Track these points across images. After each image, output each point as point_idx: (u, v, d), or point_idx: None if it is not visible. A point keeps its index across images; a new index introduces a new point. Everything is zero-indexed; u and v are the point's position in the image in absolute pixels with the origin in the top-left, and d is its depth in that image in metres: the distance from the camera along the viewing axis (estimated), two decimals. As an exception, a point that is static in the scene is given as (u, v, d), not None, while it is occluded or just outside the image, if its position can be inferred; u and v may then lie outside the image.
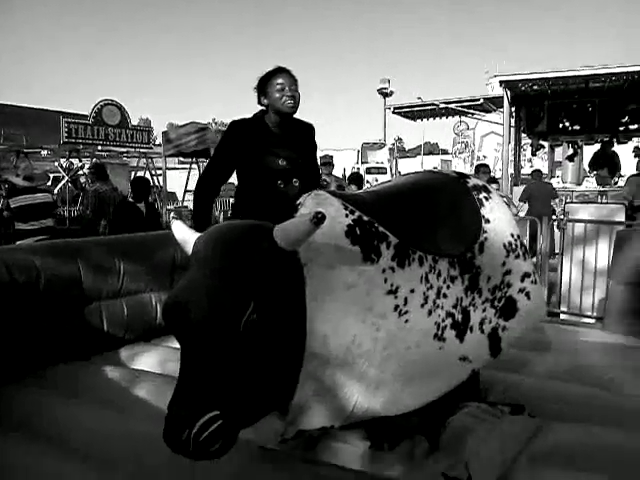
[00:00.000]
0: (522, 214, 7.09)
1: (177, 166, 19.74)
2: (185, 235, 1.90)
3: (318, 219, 1.63)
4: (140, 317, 3.67)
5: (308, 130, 2.93)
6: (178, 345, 3.49)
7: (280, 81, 2.74)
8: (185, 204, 14.29)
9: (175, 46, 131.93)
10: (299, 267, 1.81)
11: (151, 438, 2.15)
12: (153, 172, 14.60)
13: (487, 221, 2.35)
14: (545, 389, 2.68)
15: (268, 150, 2.75)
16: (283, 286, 1.73)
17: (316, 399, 1.91)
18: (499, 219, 2.39)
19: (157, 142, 17.16)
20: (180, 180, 14.17)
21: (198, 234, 1.84)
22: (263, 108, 2.83)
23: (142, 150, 14.06)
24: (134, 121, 14.79)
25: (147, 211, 6.36)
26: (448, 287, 2.14)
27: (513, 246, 2.39)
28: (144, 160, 14.59)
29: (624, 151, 11.89)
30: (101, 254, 3.62)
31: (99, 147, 13.66)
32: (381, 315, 1.95)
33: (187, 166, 14.70)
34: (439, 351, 2.09)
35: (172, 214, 10.80)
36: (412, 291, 2.02)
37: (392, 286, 1.97)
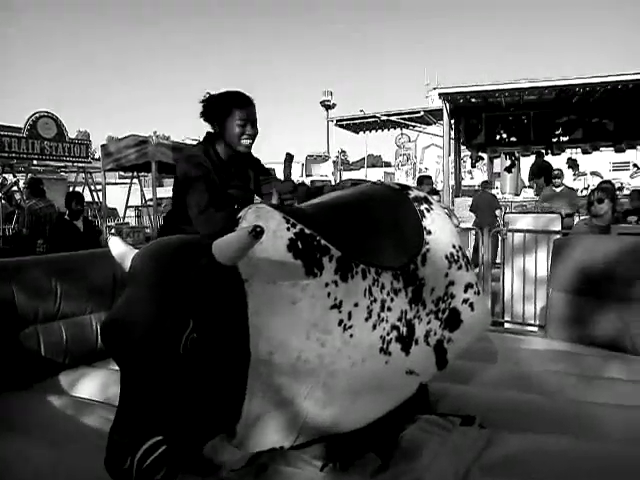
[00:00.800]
0: (467, 225, 7.23)
1: (118, 181, 19.31)
2: (123, 252, 1.84)
3: (257, 232, 1.60)
4: (80, 340, 3.49)
5: (256, 162, 2.79)
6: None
7: (242, 116, 2.51)
8: (126, 220, 13.96)
9: (114, 57, 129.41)
10: (240, 283, 1.77)
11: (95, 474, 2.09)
12: (92, 187, 14.23)
13: (429, 232, 2.36)
14: (493, 399, 2.69)
15: (223, 180, 2.57)
16: (224, 303, 1.69)
17: (263, 419, 1.86)
18: (441, 230, 2.40)
19: (96, 156, 16.75)
20: (121, 195, 13.82)
21: (136, 250, 1.78)
22: (210, 131, 2.61)
23: (80, 165, 13.68)
24: (72, 134, 14.40)
25: (85, 228, 6.20)
26: (392, 300, 2.12)
27: (455, 257, 2.40)
28: (83, 175, 14.20)
29: (559, 162, 12.35)
30: (36, 274, 3.44)
31: (34, 162, 13.23)
32: (326, 330, 1.91)
33: (128, 181, 14.38)
34: (385, 365, 2.07)
35: (112, 231, 10.54)
36: (356, 305, 1.99)
37: (336, 300, 1.94)
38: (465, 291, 2.42)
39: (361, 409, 2.00)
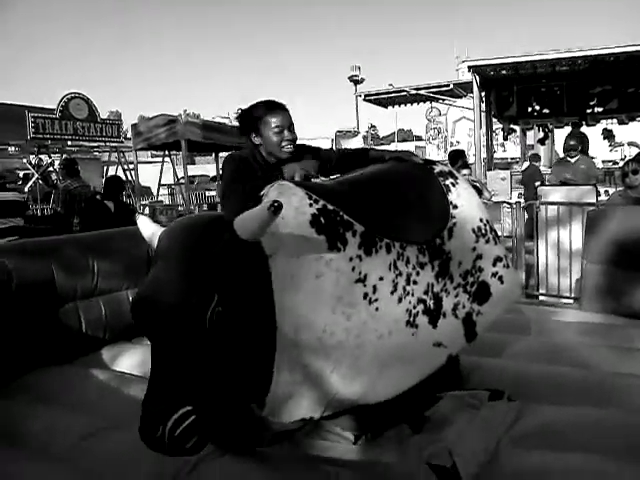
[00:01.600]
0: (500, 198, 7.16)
1: (150, 159, 19.53)
2: (151, 230, 1.89)
3: (275, 208, 1.63)
4: (118, 315, 3.59)
5: (316, 152, 2.67)
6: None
7: (277, 122, 2.44)
8: (160, 198, 14.13)
9: (145, 36, 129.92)
10: (264, 258, 1.80)
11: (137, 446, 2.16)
12: (125, 167, 14.42)
13: (455, 207, 2.35)
14: (525, 371, 2.70)
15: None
16: (248, 278, 1.73)
17: (292, 391, 1.91)
18: (467, 204, 2.39)
19: (128, 135, 16.95)
20: (154, 174, 13.99)
21: (163, 229, 1.83)
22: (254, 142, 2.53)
23: (112, 144, 13.86)
24: (104, 114, 14.56)
25: (117, 209, 6.29)
26: (418, 274, 2.13)
27: (483, 231, 2.39)
28: (115, 154, 14.39)
29: (594, 133, 12.08)
30: (73, 252, 3.54)
31: (68, 142, 13.44)
32: (351, 304, 1.94)
33: (160, 159, 14.52)
34: (412, 338, 2.09)
35: (146, 209, 10.69)
36: (381, 279, 2.01)
37: (360, 274, 1.96)
38: (494, 264, 2.41)
39: (389, 381, 2.03)
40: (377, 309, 1.99)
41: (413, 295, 2.10)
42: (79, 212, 6.85)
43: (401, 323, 2.06)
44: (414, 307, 2.10)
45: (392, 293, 2.05)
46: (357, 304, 1.95)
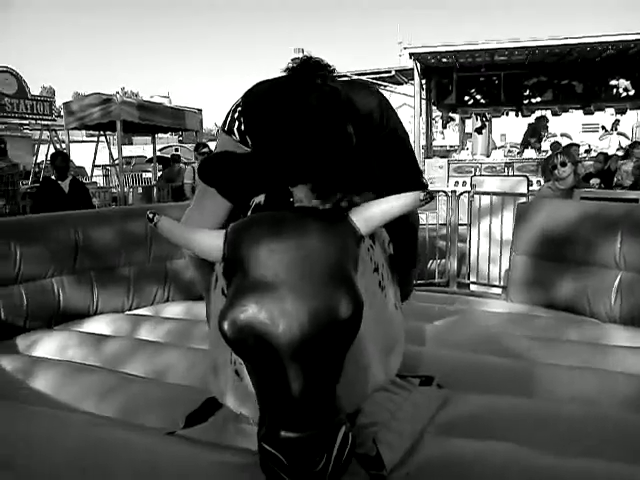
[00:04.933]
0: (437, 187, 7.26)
1: (85, 139, 18.88)
2: (208, 239, 1.54)
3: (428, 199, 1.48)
4: (41, 304, 3.50)
5: None
6: (81, 329, 3.37)
7: None
8: (94, 180, 13.67)
9: (86, 7, 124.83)
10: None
11: (48, 435, 2.09)
12: (58, 146, 13.88)
13: None
14: (451, 360, 2.73)
15: None
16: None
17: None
18: None
19: (61, 114, 16.33)
20: (88, 154, 13.50)
21: (219, 232, 1.53)
22: None
23: (44, 122, 13.30)
24: (36, 91, 13.96)
25: (71, 189, 6.07)
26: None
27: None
28: (47, 133, 13.82)
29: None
30: (-5, 237, 3.40)
31: (-4, 119, 12.86)
32: (373, 293, 1.85)
33: (95, 139, 14.05)
34: (401, 321, 2.11)
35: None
36: (383, 265, 1.98)
37: (375, 264, 1.90)
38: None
39: (392, 366, 2.04)
40: (386, 296, 1.96)
41: (388, 278, 2.08)
42: (6, 193, 6.58)
43: (394, 307, 2.07)
44: (394, 291, 2.10)
45: (388, 277, 2.03)
46: (376, 293, 1.89)
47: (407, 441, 2.03)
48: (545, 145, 12.95)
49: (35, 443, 2.05)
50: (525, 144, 12.03)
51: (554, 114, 12.66)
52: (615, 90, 11.20)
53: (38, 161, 13.71)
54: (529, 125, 12.37)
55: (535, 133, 12.18)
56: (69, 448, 2.00)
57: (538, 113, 12.54)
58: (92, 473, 1.88)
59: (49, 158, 6.67)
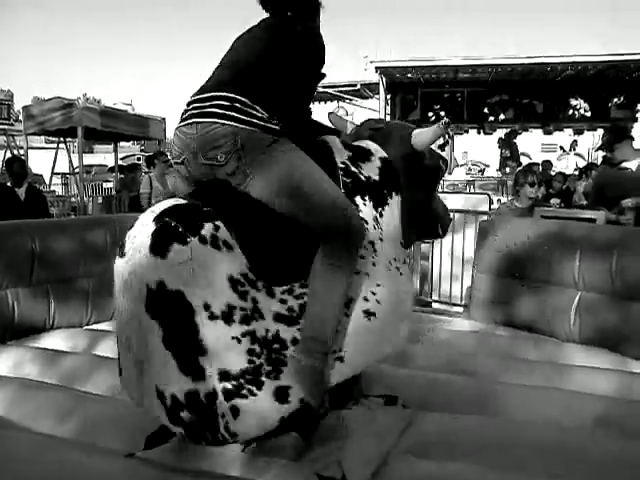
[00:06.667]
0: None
1: (44, 145, 18.44)
2: None
3: (447, 124, 2.23)
4: (-6, 316, 3.37)
5: None
6: (38, 344, 3.25)
7: None
8: (52, 188, 13.34)
9: (47, 12, 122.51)
10: None
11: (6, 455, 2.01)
12: (15, 152, 13.52)
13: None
14: (417, 379, 2.74)
15: None
16: None
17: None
18: None
19: (20, 118, 15.93)
20: (47, 161, 13.17)
21: None
22: None
23: (1, 127, 12.96)
24: (-8, 94, 13.60)
25: (28, 197, 5.89)
26: None
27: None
28: (4, 138, 13.45)
29: (490, 141, 12.67)
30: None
31: (-50, 122, 12.46)
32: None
33: (54, 146, 13.73)
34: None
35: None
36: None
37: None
38: None
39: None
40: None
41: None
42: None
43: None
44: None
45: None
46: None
47: (373, 463, 2.01)
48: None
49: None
50: (503, 161, 12.17)
51: (516, 133, 12.91)
52: (573, 111, 11.49)
53: (-5, 167, 13.32)
54: (500, 140, 12.52)
55: (507, 146, 12.33)
56: (20, 472, 1.93)
57: (500, 131, 12.77)
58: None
59: (5, 164, 6.45)
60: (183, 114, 2.00)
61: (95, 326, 3.81)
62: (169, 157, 7.55)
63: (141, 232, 1.89)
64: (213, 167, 1.93)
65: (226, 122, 1.88)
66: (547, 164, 10.84)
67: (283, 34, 2.09)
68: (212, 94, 1.95)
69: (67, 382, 2.76)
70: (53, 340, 3.41)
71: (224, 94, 1.92)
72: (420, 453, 2.07)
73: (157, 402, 1.87)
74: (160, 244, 1.80)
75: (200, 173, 1.98)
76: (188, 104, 2.00)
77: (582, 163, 14.20)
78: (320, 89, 13.41)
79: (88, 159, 12.11)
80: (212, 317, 1.80)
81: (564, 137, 15.83)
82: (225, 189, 1.97)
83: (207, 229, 1.84)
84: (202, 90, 2.00)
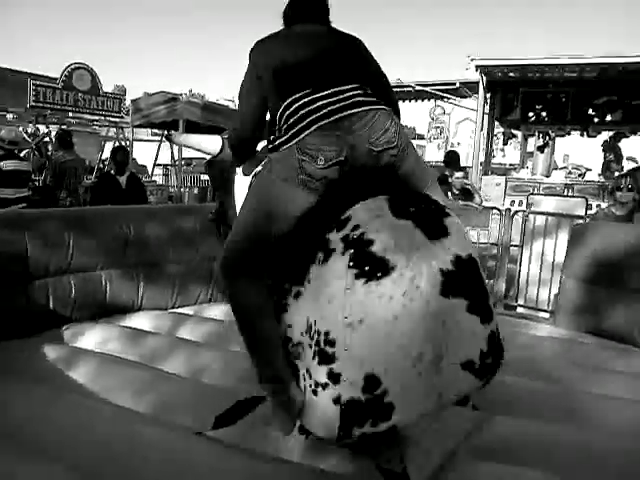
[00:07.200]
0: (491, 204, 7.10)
1: (150, 138, 19.36)
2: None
3: None
4: (89, 295, 3.59)
5: None
6: (124, 323, 3.45)
7: None
8: (154, 178, 14.00)
9: (166, 13, 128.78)
10: None
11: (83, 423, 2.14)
12: (123, 143, 14.29)
13: (308, 281, 1.85)
14: (493, 382, 2.67)
15: None
16: None
17: None
18: (314, 293, 1.82)
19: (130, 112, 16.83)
20: (151, 153, 13.85)
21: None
22: None
23: (113, 119, 13.71)
24: (109, 88, 14.42)
25: (129, 184, 6.23)
26: None
27: (312, 332, 1.80)
28: (114, 130, 14.25)
29: (593, 145, 12.05)
30: (50, 227, 3.52)
31: (69, 114, 13.30)
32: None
33: (158, 138, 14.40)
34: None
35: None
36: None
37: None
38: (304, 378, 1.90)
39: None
40: None
41: None
42: (68, 186, 6.81)
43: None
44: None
45: None
46: None
47: (435, 461, 1.99)
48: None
49: (66, 429, 2.11)
50: (606, 165, 11.55)
51: (622, 136, 12.16)
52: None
53: (103, 157, 14.14)
54: (605, 142, 11.89)
55: (610, 149, 11.67)
56: (98, 439, 2.05)
57: (605, 134, 12.08)
58: (117, 465, 1.92)
59: (110, 153, 6.84)
60: (313, 113, 1.86)
61: (178, 310, 3.98)
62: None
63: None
64: (384, 153, 1.86)
65: (380, 107, 1.89)
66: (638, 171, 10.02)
67: (357, 40, 2.16)
68: (345, 87, 1.90)
69: (148, 361, 2.90)
70: (139, 320, 3.60)
71: (356, 85, 1.92)
72: (487, 456, 2.02)
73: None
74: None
75: (367, 165, 1.87)
76: (309, 102, 1.88)
77: (698, 170, 13.18)
78: (418, 87, 13.28)
79: (189, 152, 12.60)
80: None
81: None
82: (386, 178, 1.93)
83: None
84: (322, 86, 1.91)
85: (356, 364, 1.70)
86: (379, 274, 1.65)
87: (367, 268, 1.67)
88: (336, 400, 1.73)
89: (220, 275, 1.99)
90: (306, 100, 1.88)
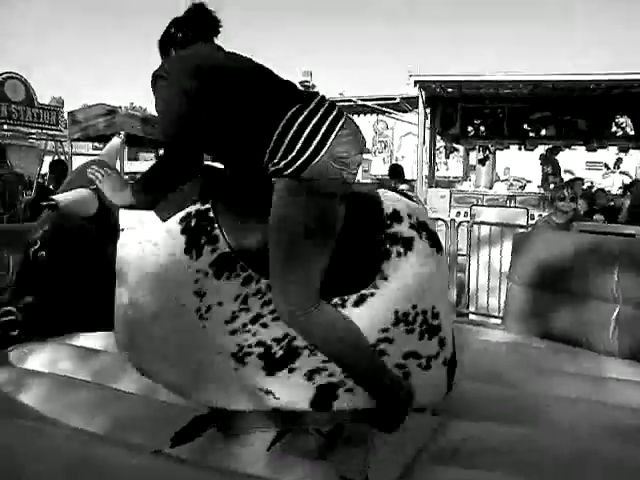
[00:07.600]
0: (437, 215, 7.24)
1: (91, 152, 18.90)
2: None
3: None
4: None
5: None
6: (75, 342, 3.34)
7: None
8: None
9: (104, 20, 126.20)
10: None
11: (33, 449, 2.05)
12: (62, 158, 13.89)
13: (384, 278, 2.03)
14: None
15: None
16: None
17: None
18: (402, 282, 2.04)
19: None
20: (93, 168, 13.44)
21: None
22: None
23: (50, 132, 13.32)
24: (45, 100, 14.02)
25: None
26: (275, 320, 1.99)
27: (409, 318, 2.04)
28: (53, 143, 13.85)
29: (532, 158, 12.50)
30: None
31: (4, 126, 12.85)
32: (183, 306, 1.97)
33: (99, 152, 14.04)
34: (234, 371, 2.04)
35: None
36: (219, 304, 1.97)
37: (200, 290, 1.95)
38: (404, 357, 2.10)
39: (205, 393, 2.11)
40: (204, 327, 1.99)
41: (255, 335, 2.00)
42: (3, 203, 6.56)
43: (227, 352, 2.02)
44: (249, 346, 2.01)
45: (226, 322, 1.99)
46: (189, 310, 1.97)
47: (398, 468, 2.00)
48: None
49: (19, 457, 2.02)
50: (545, 177, 11.98)
51: (558, 150, 12.68)
52: (618, 129, 11.24)
53: (42, 172, 13.72)
54: (541, 156, 12.36)
55: (548, 162, 12.13)
56: (53, 464, 1.96)
57: (541, 148, 12.57)
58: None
59: (49, 167, 6.63)
60: (322, 123, 1.90)
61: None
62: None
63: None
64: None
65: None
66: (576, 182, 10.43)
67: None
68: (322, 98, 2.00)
69: (100, 380, 2.83)
70: (90, 339, 3.46)
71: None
72: (448, 461, 2.05)
73: None
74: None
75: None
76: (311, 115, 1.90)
77: (628, 181, 13.85)
78: (359, 102, 13.46)
79: (133, 166, 12.35)
80: None
81: (609, 155, 15.51)
82: None
83: None
84: (309, 96, 2.00)
85: (449, 324, 2.20)
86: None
87: (438, 244, 2.16)
88: (444, 362, 2.16)
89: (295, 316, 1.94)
90: (306, 114, 1.91)
